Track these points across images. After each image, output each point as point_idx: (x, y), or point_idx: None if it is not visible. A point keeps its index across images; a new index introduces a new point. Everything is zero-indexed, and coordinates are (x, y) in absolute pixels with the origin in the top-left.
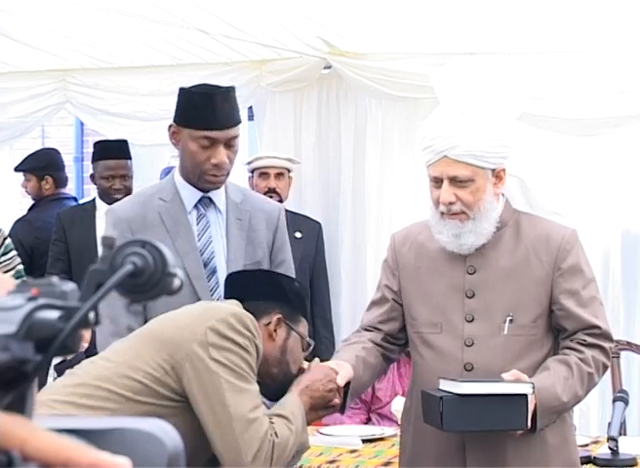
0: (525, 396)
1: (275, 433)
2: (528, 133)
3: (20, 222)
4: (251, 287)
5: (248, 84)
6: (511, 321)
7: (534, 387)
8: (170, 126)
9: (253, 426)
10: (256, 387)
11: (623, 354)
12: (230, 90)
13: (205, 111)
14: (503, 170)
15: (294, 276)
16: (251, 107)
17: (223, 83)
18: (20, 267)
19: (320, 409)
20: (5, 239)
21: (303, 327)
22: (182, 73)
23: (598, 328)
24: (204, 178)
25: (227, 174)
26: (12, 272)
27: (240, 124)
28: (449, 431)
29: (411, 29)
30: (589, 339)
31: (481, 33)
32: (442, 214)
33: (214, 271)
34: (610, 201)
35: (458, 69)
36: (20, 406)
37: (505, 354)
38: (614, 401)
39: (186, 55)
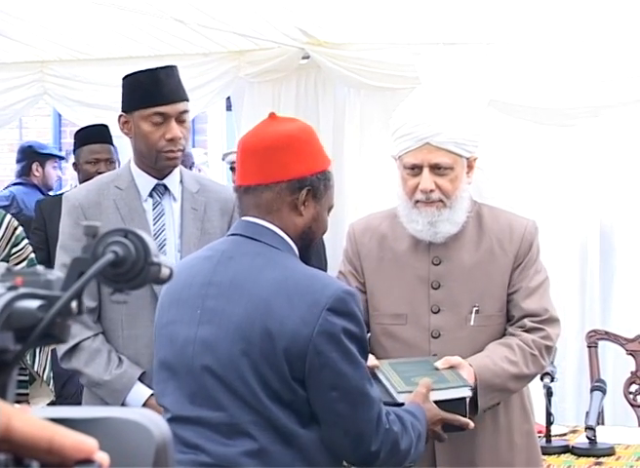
0: (464, 399)
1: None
2: (502, 123)
3: None
4: None
5: (226, 74)
6: (477, 311)
7: (472, 389)
8: (119, 117)
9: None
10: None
11: (600, 343)
12: (173, 67)
13: (152, 88)
14: (475, 159)
15: None
16: (229, 98)
17: (202, 74)
18: (32, 256)
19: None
20: (15, 229)
21: None
22: (160, 64)
23: (540, 314)
24: (161, 157)
25: (183, 150)
26: (24, 263)
27: (188, 101)
28: None
29: (389, 19)
30: (530, 324)
31: (460, 23)
32: (416, 202)
33: None
34: (586, 192)
35: (440, 58)
36: (0, 394)
37: (472, 345)
38: (591, 390)
39: (164, 45)
